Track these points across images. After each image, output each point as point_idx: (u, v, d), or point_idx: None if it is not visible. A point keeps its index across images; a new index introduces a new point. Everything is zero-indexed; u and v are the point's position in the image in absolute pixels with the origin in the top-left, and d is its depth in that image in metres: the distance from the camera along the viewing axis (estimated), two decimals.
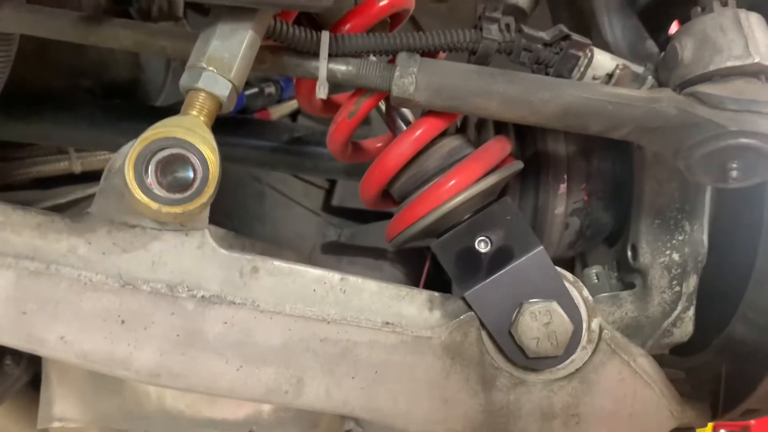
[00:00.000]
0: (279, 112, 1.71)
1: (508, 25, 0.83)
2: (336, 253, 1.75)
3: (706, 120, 0.73)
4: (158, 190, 0.64)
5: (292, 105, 1.72)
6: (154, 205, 0.63)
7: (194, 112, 0.66)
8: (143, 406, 1.13)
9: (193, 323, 0.72)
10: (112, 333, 0.70)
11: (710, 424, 0.94)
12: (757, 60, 0.73)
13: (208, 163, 0.64)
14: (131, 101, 1.39)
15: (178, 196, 0.64)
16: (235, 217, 1.63)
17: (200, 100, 0.66)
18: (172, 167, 0.64)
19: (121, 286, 0.70)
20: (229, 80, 0.67)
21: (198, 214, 0.66)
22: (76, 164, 1.31)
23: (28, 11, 0.80)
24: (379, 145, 0.99)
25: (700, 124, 0.73)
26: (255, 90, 1.64)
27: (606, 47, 1.01)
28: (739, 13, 0.76)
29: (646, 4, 1.08)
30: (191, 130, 0.64)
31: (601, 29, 1.04)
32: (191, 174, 0.64)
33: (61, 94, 1.24)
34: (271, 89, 1.66)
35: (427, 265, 1.66)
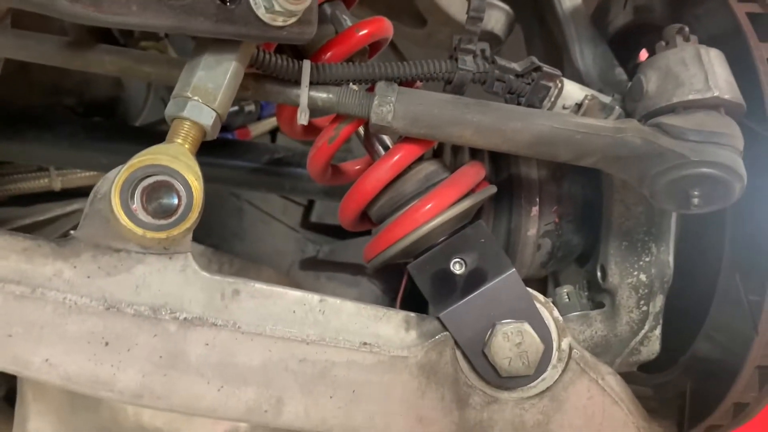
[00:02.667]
0: (258, 129, 1.73)
1: (483, 51, 0.85)
2: (314, 269, 1.77)
3: (669, 150, 0.76)
4: (143, 216, 0.64)
5: (271, 122, 1.74)
6: (139, 231, 0.64)
7: (179, 140, 0.67)
8: (120, 424, 1.12)
9: (176, 345, 0.72)
10: (96, 355, 0.71)
11: None
12: (716, 94, 0.77)
13: (192, 190, 0.65)
14: (112, 119, 1.40)
15: (162, 222, 0.65)
16: (215, 233, 1.64)
17: (185, 129, 0.67)
18: (157, 194, 0.65)
19: (105, 309, 0.71)
20: (213, 109, 0.68)
21: (182, 238, 0.68)
22: (56, 181, 1.32)
23: (15, 36, 0.80)
24: (358, 167, 1.01)
25: (663, 154, 0.77)
26: (235, 108, 1.65)
27: (577, 74, 1.05)
28: (699, 49, 0.80)
29: (615, 32, 1.12)
30: (176, 158, 0.65)
31: (573, 57, 1.08)
32: (176, 200, 0.65)
33: (42, 112, 1.24)
34: (251, 107, 1.67)
35: (404, 282, 1.68)
